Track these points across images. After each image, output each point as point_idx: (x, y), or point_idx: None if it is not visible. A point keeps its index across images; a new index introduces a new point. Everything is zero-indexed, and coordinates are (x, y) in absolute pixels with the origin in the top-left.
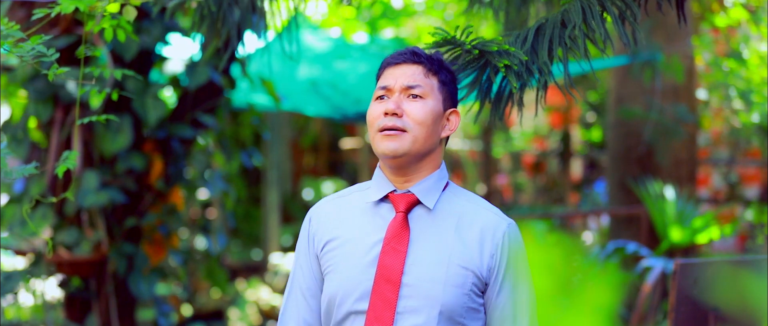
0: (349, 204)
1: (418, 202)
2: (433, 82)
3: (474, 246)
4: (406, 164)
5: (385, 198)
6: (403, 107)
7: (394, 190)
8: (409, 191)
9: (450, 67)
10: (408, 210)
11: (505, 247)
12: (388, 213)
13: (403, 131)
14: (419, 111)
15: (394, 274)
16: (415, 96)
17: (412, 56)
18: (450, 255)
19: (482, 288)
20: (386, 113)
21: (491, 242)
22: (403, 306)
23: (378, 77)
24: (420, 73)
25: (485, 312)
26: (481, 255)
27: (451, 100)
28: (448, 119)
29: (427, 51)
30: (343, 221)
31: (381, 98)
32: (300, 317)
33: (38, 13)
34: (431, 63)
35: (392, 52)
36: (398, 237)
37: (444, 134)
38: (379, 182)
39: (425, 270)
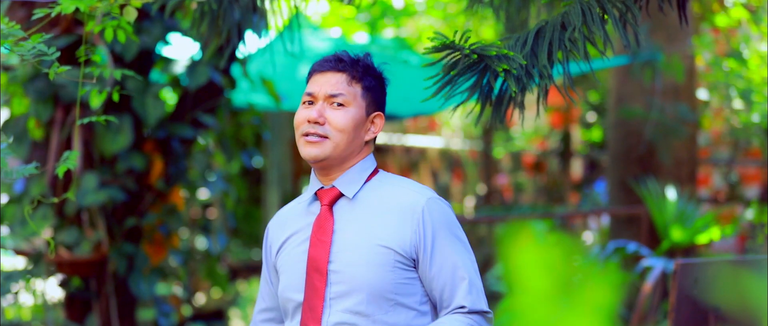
0: (293, 210)
1: (340, 194)
2: (356, 89)
3: (393, 225)
4: (329, 166)
5: (315, 196)
6: (325, 114)
7: (322, 187)
8: (333, 186)
9: (377, 71)
10: (331, 203)
11: (427, 221)
12: (317, 209)
13: (325, 137)
14: (340, 119)
15: (320, 263)
16: (338, 104)
17: (337, 64)
18: (370, 237)
19: (409, 264)
20: (309, 121)
21: (411, 218)
22: (333, 291)
23: (307, 81)
24: (343, 81)
25: (424, 286)
26: (402, 233)
27: (375, 104)
28: (372, 123)
29: (356, 54)
30: (288, 226)
31: (307, 103)
32: (261, 322)
33: (38, 13)
34: (355, 70)
35: (320, 58)
36: (322, 229)
37: (368, 138)
38: (312, 183)
39: (349, 255)
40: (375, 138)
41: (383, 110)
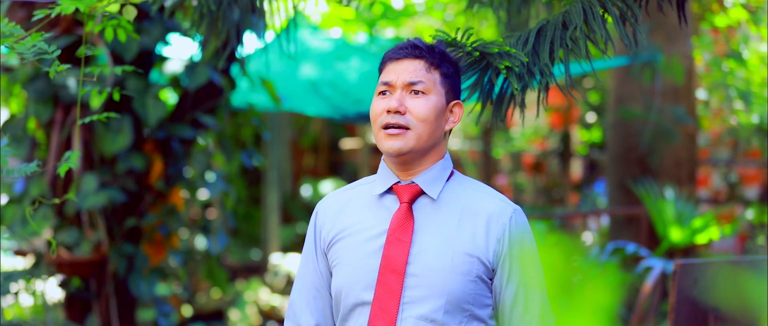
0: (355, 198)
1: (422, 192)
2: (435, 76)
3: (479, 233)
4: (410, 160)
5: (389, 190)
6: (405, 103)
7: (399, 181)
8: (413, 182)
9: (452, 58)
10: (412, 201)
11: (512, 232)
12: (392, 205)
13: (407, 128)
14: (422, 108)
15: (398, 264)
16: (418, 92)
17: (414, 50)
18: (454, 243)
19: (489, 275)
20: (389, 111)
21: (497, 228)
22: (408, 295)
23: (380, 71)
24: (422, 68)
25: (494, 299)
26: (487, 242)
27: (453, 92)
28: (451, 112)
29: (429, 43)
30: (348, 214)
31: (383, 93)
32: (311, 311)
33: (38, 14)
34: (433, 56)
35: (393, 46)
36: (402, 228)
37: (447, 128)
38: (384, 175)
39: (430, 259)
40: (451, 130)
41: (460, 98)
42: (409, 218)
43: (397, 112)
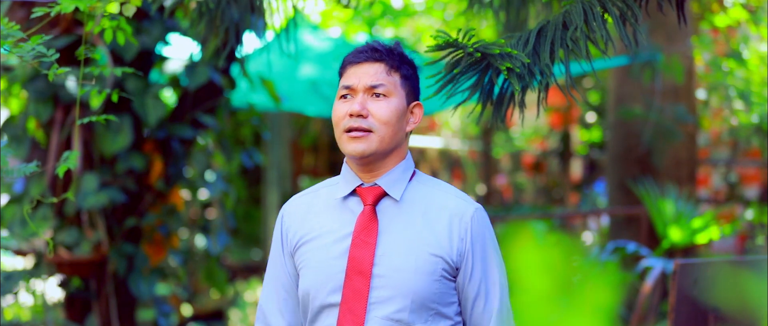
0: (319, 200)
1: (385, 194)
2: (396, 78)
3: (442, 233)
4: (373, 162)
5: (353, 193)
6: (367, 107)
7: (362, 184)
8: (376, 184)
9: (410, 59)
10: (375, 203)
11: (474, 230)
12: (356, 207)
13: (369, 131)
14: (384, 111)
15: (364, 266)
16: (379, 95)
17: (374, 53)
18: (419, 243)
19: (453, 274)
20: (351, 115)
21: (459, 226)
22: (375, 296)
23: (340, 75)
24: (382, 71)
25: (458, 295)
26: (450, 241)
27: (413, 93)
28: (411, 113)
29: (388, 45)
30: (313, 217)
31: (344, 97)
32: (281, 312)
33: (38, 13)
34: (392, 59)
35: (352, 50)
36: (367, 230)
37: (409, 129)
38: (347, 178)
39: (395, 260)
40: (411, 131)
41: (419, 99)
42: (374, 220)
43: (360, 115)
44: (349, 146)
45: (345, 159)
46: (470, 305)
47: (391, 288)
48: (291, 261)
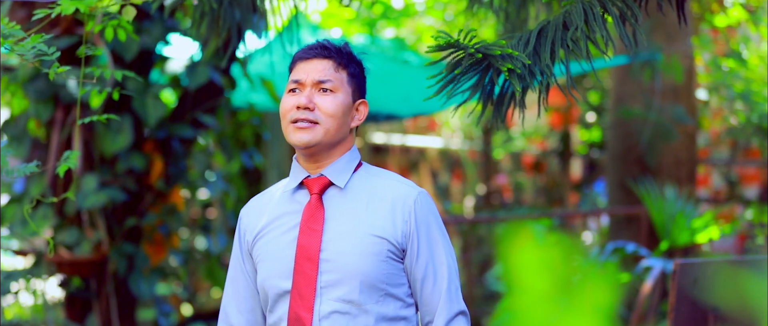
0: (272, 198)
1: (330, 183)
2: (343, 75)
3: (386, 216)
4: (318, 152)
5: (301, 185)
6: (314, 100)
7: (309, 175)
8: (322, 175)
9: (359, 59)
10: (321, 192)
11: (418, 213)
12: (304, 198)
13: (316, 122)
14: (330, 104)
15: (312, 252)
16: (326, 90)
17: (323, 51)
18: (363, 226)
19: (400, 256)
20: (298, 107)
21: (402, 209)
22: (324, 280)
23: (290, 70)
24: (330, 67)
25: (406, 277)
26: (394, 223)
27: (359, 91)
28: (357, 110)
29: (337, 42)
30: (267, 213)
31: (293, 91)
32: (241, 311)
33: (39, 14)
34: (341, 57)
35: (303, 47)
36: (313, 218)
37: (354, 124)
38: (295, 171)
39: (341, 243)
40: (358, 127)
41: (365, 97)
42: (320, 207)
43: (307, 108)
44: (294, 135)
45: (294, 156)
46: (419, 286)
47: (339, 272)
48: (250, 260)
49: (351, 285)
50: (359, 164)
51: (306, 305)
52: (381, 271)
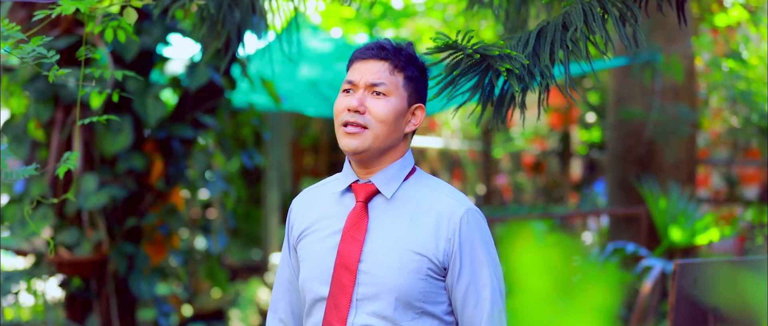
0: (322, 194)
1: (377, 191)
2: (399, 79)
3: (430, 232)
4: (367, 159)
5: (349, 188)
6: (365, 104)
7: (357, 180)
8: (370, 181)
9: (419, 61)
10: (367, 200)
11: (463, 232)
12: (350, 202)
13: (365, 127)
14: (381, 109)
15: (351, 262)
16: (379, 93)
17: (380, 52)
18: (405, 241)
19: (441, 274)
20: (349, 109)
21: (447, 226)
22: (360, 292)
23: (347, 68)
24: (385, 70)
25: (449, 297)
26: (437, 241)
27: (417, 95)
28: (413, 115)
29: (398, 43)
30: (314, 211)
31: (347, 91)
32: (285, 303)
33: (39, 14)
34: (398, 59)
35: (362, 45)
36: (356, 226)
37: (408, 130)
38: (346, 173)
39: (380, 257)
40: (414, 132)
41: (424, 102)
42: (364, 216)
43: (357, 111)
44: (343, 140)
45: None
46: (460, 306)
47: (375, 285)
48: (294, 254)
49: (386, 300)
50: (412, 171)
51: (340, 316)
52: (418, 289)
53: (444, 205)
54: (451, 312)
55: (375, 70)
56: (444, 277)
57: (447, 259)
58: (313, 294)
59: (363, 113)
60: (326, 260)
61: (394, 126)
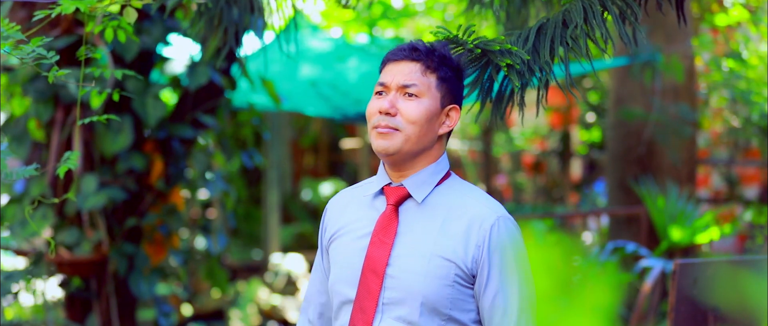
0: (357, 196)
1: (408, 195)
2: (431, 80)
3: (459, 238)
4: (400, 161)
5: (381, 191)
6: (397, 105)
7: (390, 183)
8: (402, 185)
9: (454, 61)
10: (398, 203)
11: (493, 239)
12: (382, 205)
13: (396, 129)
14: (413, 111)
15: (378, 265)
16: (411, 95)
17: (412, 53)
18: (434, 247)
19: (470, 281)
20: (380, 112)
21: (477, 233)
22: (387, 297)
23: (380, 70)
24: (417, 71)
25: (476, 303)
26: (466, 247)
27: (450, 96)
28: (447, 116)
29: (431, 44)
30: (347, 213)
31: (379, 93)
32: (315, 305)
33: (39, 14)
34: (430, 60)
35: (396, 46)
36: (386, 230)
37: (442, 131)
38: (380, 176)
39: (408, 262)
40: (449, 133)
41: (460, 102)
42: (394, 220)
43: (388, 113)
44: (375, 142)
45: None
46: (487, 315)
47: (402, 290)
48: (327, 255)
49: (412, 305)
50: (446, 176)
51: (366, 319)
52: (445, 296)
53: (475, 211)
54: (479, 321)
55: (406, 72)
56: (472, 285)
57: (475, 266)
58: (340, 296)
59: (394, 115)
60: (355, 262)
61: (427, 128)
